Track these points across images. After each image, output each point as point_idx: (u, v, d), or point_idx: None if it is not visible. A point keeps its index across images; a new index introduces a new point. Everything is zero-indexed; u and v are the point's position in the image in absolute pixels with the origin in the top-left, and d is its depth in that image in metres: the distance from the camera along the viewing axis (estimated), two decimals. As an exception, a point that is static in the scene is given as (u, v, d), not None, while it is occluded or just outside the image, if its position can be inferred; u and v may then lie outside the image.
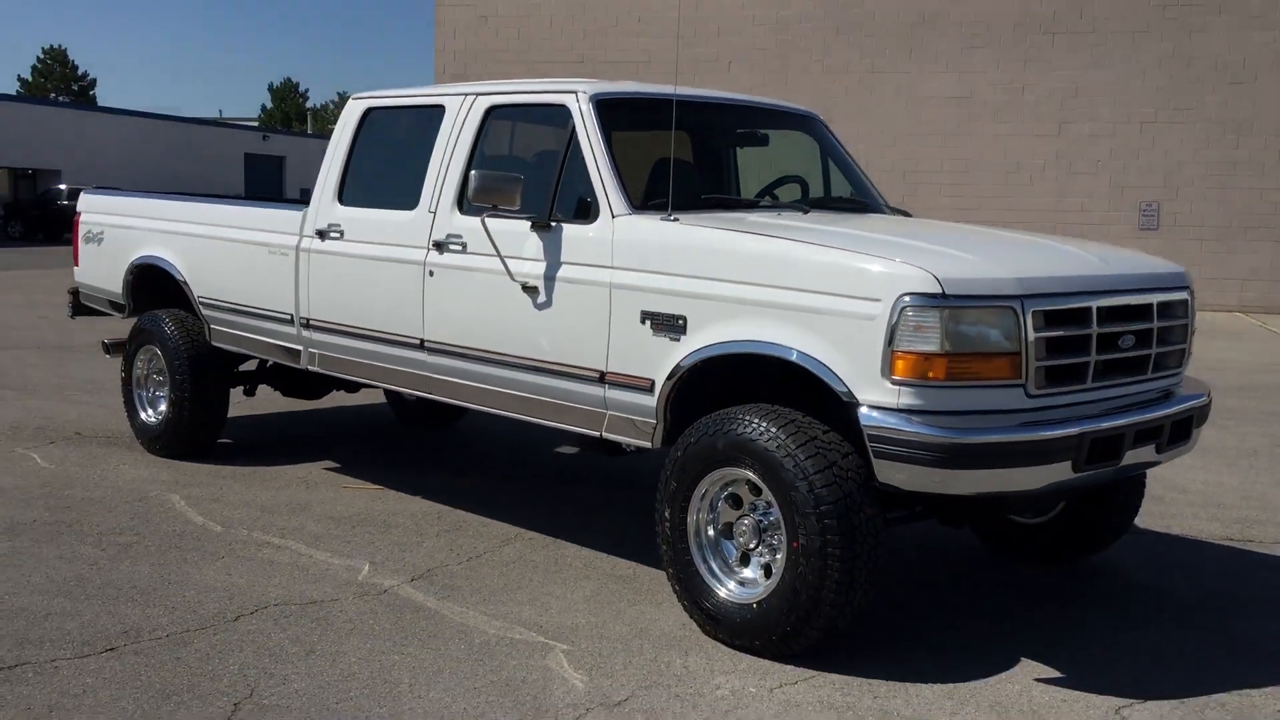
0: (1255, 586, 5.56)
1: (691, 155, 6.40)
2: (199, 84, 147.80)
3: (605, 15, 22.71)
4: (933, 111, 21.58)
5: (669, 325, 4.76)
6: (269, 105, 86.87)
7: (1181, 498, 7.19)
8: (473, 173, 5.19)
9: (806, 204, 5.86)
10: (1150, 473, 7.64)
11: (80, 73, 75.64)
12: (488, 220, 5.38)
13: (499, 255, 5.34)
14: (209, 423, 7.37)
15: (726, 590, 4.58)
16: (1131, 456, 4.55)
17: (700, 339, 4.67)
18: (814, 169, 6.42)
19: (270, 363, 7.37)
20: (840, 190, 6.31)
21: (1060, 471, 4.27)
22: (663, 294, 4.79)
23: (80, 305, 8.40)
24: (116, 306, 7.98)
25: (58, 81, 74.10)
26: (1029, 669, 4.47)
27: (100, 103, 71.39)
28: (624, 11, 22.63)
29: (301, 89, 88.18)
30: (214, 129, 56.89)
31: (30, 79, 73.91)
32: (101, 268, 8.00)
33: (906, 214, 6.17)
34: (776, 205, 5.70)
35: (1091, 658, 4.61)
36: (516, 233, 5.32)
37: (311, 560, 5.49)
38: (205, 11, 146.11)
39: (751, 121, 6.42)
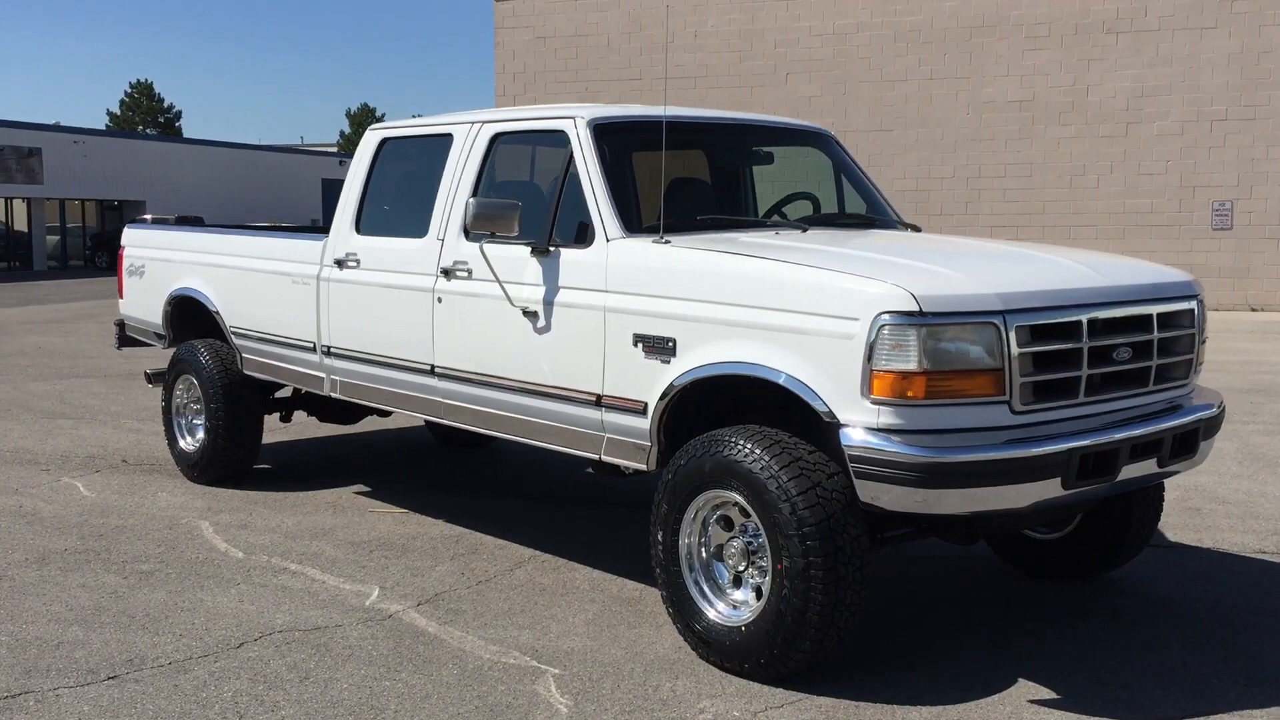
0: (1277, 601, 5.40)
1: (708, 175, 6.41)
2: (281, 113, 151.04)
3: (661, 32, 22.79)
4: (994, 116, 21.33)
5: (659, 348, 4.77)
6: (347, 131, 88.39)
7: (1219, 509, 7.01)
8: (469, 201, 5.25)
9: (816, 221, 5.85)
10: (1189, 483, 7.51)
11: (166, 105, 77.59)
12: (486, 247, 5.44)
13: (498, 281, 5.40)
14: (243, 449, 7.52)
15: (716, 612, 4.57)
16: (1129, 471, 4.45)
17: (689, 361, 4.67)
18: (829, 185, 6.38)
19: (304, 389, 7.50)
20: (855, 206, 6.27)
21: (1049, 489, 4.19)
22: (653, 316, 4.80)
23: (125, 337, 8.63)
24: (158, 337, 8.19)
25: (145, 115, 76.08)
26: (1024, 690, 4.39)
27: (186, 134, 73.37)
28: (680, 28, 22.70)
29: (378, 114, 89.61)
30: (293, 156, 58.06)
31: (119, 113, 76.00)
32: (143, 300, 8.22)
33: (917, 229, 6.10)
34: (775, 224, 5.68)
35: (1093, 678, 4.51)
36: (517, 258, 5.37)
37: (324, 586, 5.58)
38: (286, 42, 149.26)
39: (761, 140, 6.40)
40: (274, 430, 9.09)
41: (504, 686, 4.40)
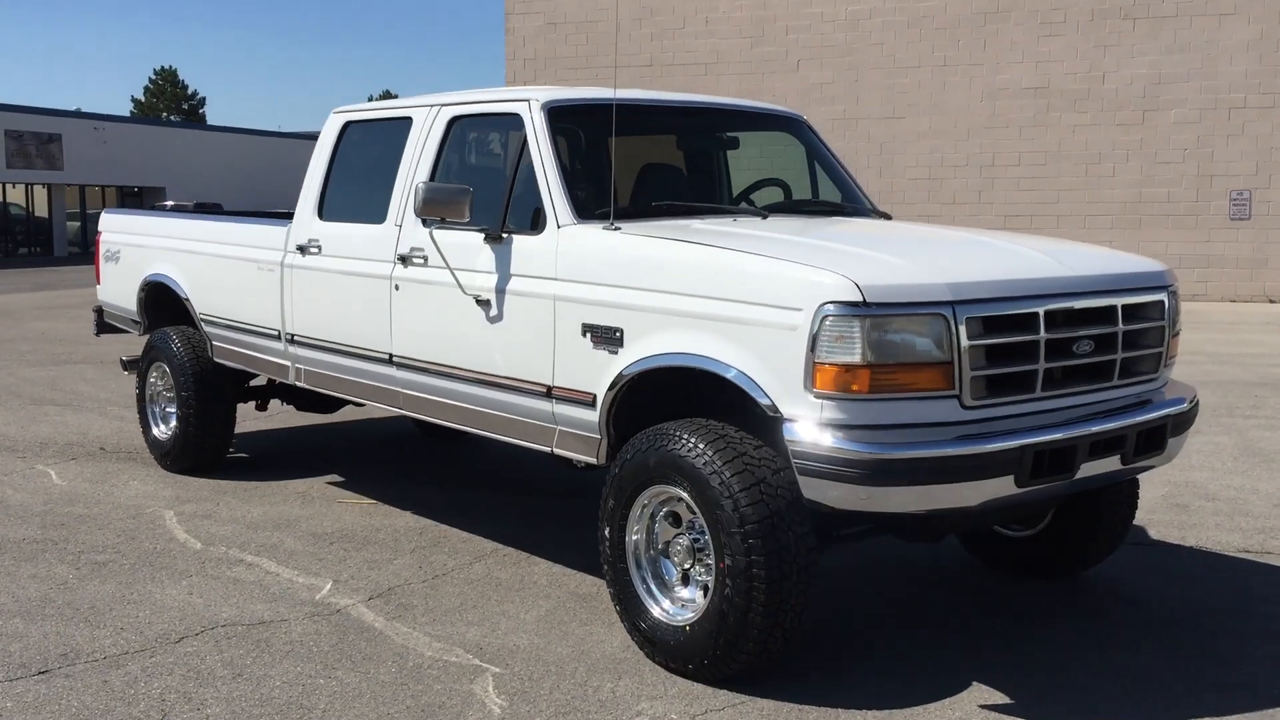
0: (1256, 603, 5.22)
1: (675, 160, 6.26)
2: (304, 100, 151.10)
3: (672, 18, 22.59)
4: (1008, 103, 21.04)
5: (607, 338, 4.63)
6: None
7: (1208, 506, 6.81)
8: (418, 185, 5.11)
9: (783, 208, 5.72)
10: (1179, 479, 7.33)
11: (190, 92, 77.76)
12: (436, 233, 5.32)
13: (449, 268, 5.27)
14: (215, 438, 7.42)
15: (660, 610, 4.43)
16: (1090, 469, 4.28)
17: (636, 352, 4.52)
18: (804, 171, 6.22)
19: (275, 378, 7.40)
20: (828, 192, 6.10)
21: (1001, 487, 4.03)
22: (601, 306, 4.66)
23: (104, 323, 8.55)
24: (134, 323, 8.10)
25: (169, 101, 76.26)
26: (978, 694, 4.24)
27: (210, 121, 73.51)
28: (691, 14, 22.48)
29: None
30: (313, 142, 58.02)
31: (143, 99, 76.23)
32: (119, 286, 8.13)
33: (887, 216, 5.93)
34: (735, 211, 5.52)
35: (1053, 682, 4.35)
36: (470, 245, 5.23)
37: (276, 579, 5.47)
38: (310, 30, 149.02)
39: (729, 124, 6.24)
40: (259, 419, 9.03)
41: (440, 686, 4.28)
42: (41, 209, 43.24)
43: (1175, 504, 6.83)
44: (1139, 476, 6.73)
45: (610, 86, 5.47)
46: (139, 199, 45.55)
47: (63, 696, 4.17)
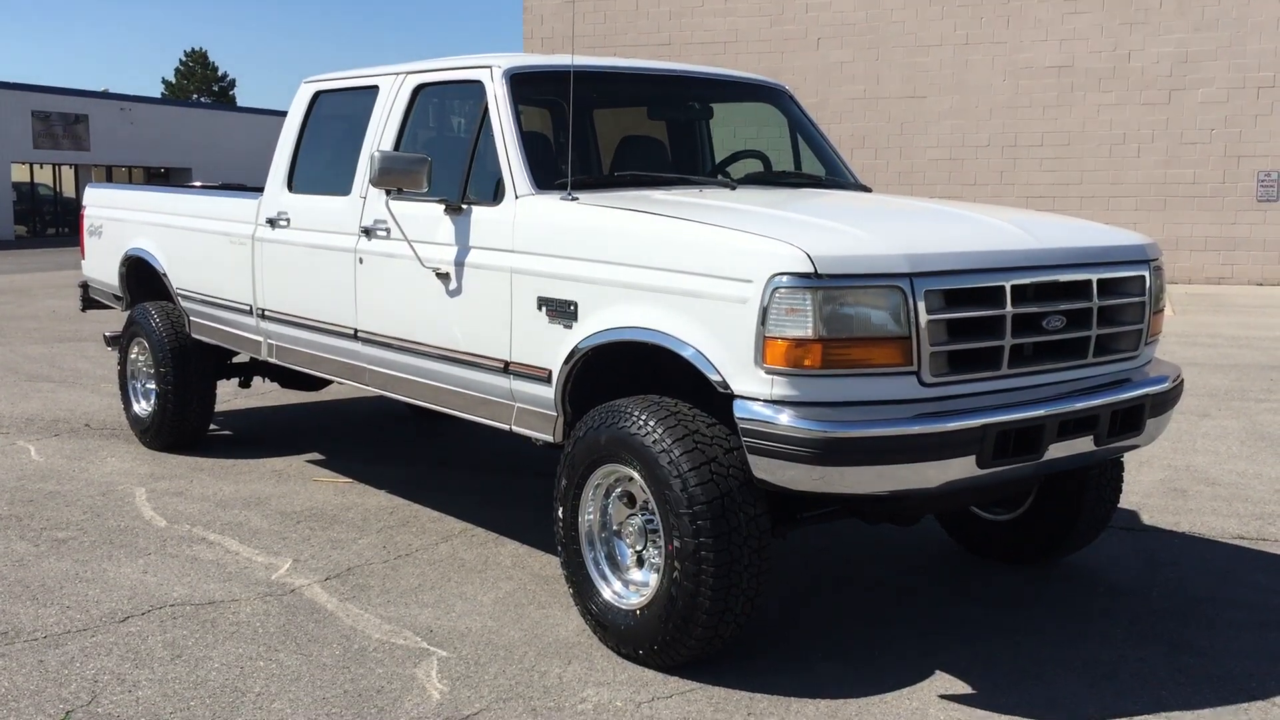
0: (1243, 591, 5.01)
1: (649, 131, 6.08)
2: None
3: (691, -3, 22.33)
4: (1031, 82, 20.67)
5: (561, 312, 4.47)
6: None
7: (1207, 490, 6.58)
8: (374, 154, 4.95)
9: (758, 180, 5.54)
10: (1180, 462, 7.11)
11: (220, 74, 77.93)
12: (393, 204, 5.17)
13: (406, 240, 5.13)
14: (194, 415, 7.31)
15: (611, 592, 4.28)
16: (1059, 450, 4.09)
17: (590, 325, 4.37)
18: (786, 143, 6.03)
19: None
20: (811, 165, 5.91)
21: (962, 468, 3.85)
22: (556, 278, 4.50)
23: (89, 299, 8.46)
24: (116, 299, 8.01)
25: (199, 83, 76.43)
26: (938, 684, 4.06)
27: (239, 103, 73.61)
28: (710, -10, 22.21)
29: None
30: (341, 124, 57.96)
31: (174, 81, 76.45)
32: (102, 261, 8.04)
33: (868, 190, 5.73)
34: (702, 182, 5.33)
35: (1017, 672, 4.17)
36: (431, 217, 5.09)
37: (235, 558, 5.35)
38: (336, 13, 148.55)
39: (708, 94, 6.05)
40: (246, 396, 8.95)
41: (382, 670, 4.15)
42: (69, 189, 43.42)
43: (1173, 488, 6.61)
44: (1133, 459, 6.59)
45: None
46: (166, 180, 45.63)
47: (-6, 676, 4.06)
